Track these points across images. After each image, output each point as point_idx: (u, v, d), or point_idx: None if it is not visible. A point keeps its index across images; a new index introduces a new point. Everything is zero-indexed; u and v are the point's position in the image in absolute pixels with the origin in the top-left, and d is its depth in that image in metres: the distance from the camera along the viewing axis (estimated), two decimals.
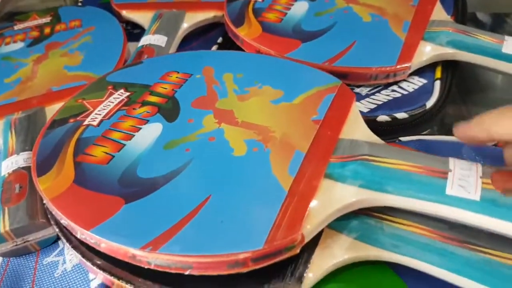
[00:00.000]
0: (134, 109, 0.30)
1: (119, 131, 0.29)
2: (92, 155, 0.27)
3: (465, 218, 0.21)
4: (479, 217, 0.21)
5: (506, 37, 0.35)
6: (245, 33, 0.38)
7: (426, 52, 0.35)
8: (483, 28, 0.37)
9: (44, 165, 0.27)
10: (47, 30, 0.45)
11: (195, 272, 0.22)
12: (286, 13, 0.40)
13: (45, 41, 0.43)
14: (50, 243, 0.30)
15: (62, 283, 0.27)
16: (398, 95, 0.34)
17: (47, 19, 0.47)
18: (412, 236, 0.23)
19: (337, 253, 0.24)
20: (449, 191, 0.22)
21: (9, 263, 0.29)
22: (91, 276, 0.27)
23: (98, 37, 0.43)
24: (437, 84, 0.35)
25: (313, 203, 0.23)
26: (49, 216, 0.28)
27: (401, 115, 0.33)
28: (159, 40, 0.40)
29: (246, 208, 0.23)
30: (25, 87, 0.38)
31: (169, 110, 0.30)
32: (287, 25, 0.38)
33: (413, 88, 0.35)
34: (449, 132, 0.34)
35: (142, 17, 0.45)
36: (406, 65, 0.34)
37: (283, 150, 0.26)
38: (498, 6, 0.49)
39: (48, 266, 0.29)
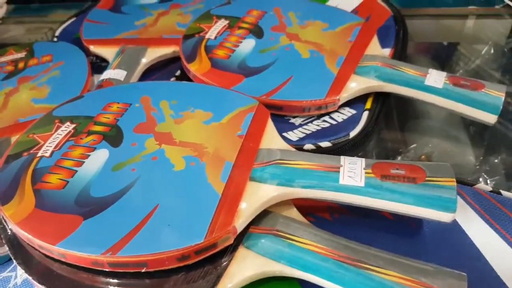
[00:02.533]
0: (81, 138, 0.34)
1: (70, 159, 0.33)
2: (49, 182, 0.31)
3: (354, 201, 0.28)
4: (364, 199, 0.28)
5: (430, 70, 0.38)
6: (196, 68, 0.42)
7: (356, 85, 0.39)
8: (438, 56, 0.42)
9: (6, 195, 0.30)
10: (21, 65, 0.49)
11: (151, 269, 0.27)
12: (234, 50, 0.44)
13: (18, 75, 0.47)
14: (6, 260, 0.34)
15: None
16: (327, 125, 0.38)
17: (22, 54, 0.51)
18: (311, 254, 0.27)
19: (244, 270, 0.27)
20: (341, 181, 0.28)
21: None
22: None
23: (65, 71, 0.47)
24: (365, 114, 0.39)
25: (242, 202, 0.29)
26: (2, 236, 0.31)
27: (324, 144, 0.36)
28: (118, 74, 0.44)
29: (188, 212, 0.28)
30: None
31: (113, 137, 0.34)
32: (234, 61, 0.43)
33: (342, 119, 0.38)
34: (386, 155, 0.40)
35: (107, 52, 0.49)
36: (335, 98, 0.38)
37: (216, 162, 0.31)
38: (449, 36, 0.58)
39: (2, 280, 0.33)
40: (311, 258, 0.26)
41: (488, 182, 0.37)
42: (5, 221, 0.31)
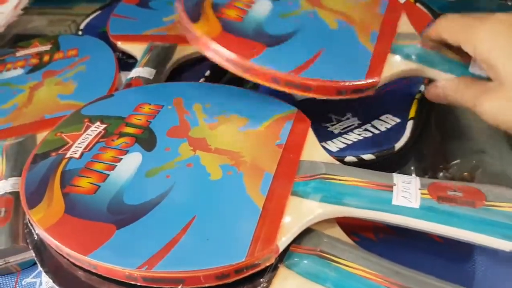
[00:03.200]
0: (112, 140, 0.33)
1: (101, 162, 0.31)
2: (79, 186, 0.29)
3: (408, 224, 0.26)
4: (419, 221, 0.26)
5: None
6: (204, 31, 0.33)
7: (394, 66, 0.34)
8: None
9: (33, 197, 0.29)
10: (46, 58, 0.47)
11: (187, 286, 0.25)
12: (247, 11, 0.36)
13: (43, 69, 0.45)
14: (30, 265, 0.33)
15: None
16: (369, 134, 0.35)
17: (47, 47, 0.49)
18: (360, 280, 0.25)
19: None
20: (394, 201, 0.26)
21: None
22: None
23: (92, 67, 0.45)
24: (410, 124, 0.35)
25: (284, 218, 0.27)
26: (28, 241, 0.30)
27: (368, 156, 0.33)
28: (147, 72, 0.43)
29: (227, 225, 0.27)
30: (20, 113, 0.40)
31: (146, 140, 0.33)
32: (249, 25, 0.35)
33: (385, 128, 0.35)
34: (426, 170, 0.38)
35: (135, 49, 0.47)
36: (374, 80, 0.33)
37: (254, 172, 0.30)
38: None
39: (26, 286, 0.31)
40: (360, 285, 0.25)
41: None
42: (31, 225, 0.29)
